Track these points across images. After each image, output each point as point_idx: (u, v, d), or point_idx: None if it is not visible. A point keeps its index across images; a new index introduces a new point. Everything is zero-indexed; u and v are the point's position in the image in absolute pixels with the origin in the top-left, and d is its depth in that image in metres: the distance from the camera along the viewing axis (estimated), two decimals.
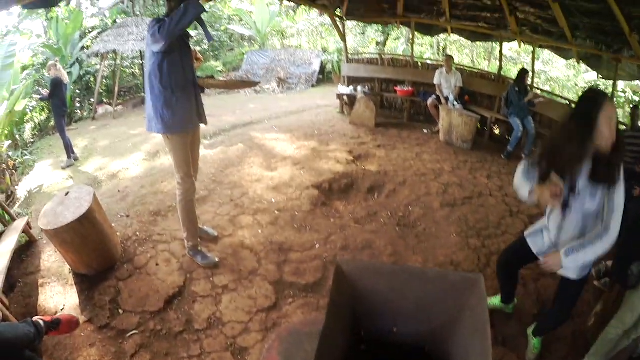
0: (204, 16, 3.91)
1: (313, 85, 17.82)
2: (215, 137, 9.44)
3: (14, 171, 9.14)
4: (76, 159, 9.29)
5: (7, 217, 5.47)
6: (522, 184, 2.97)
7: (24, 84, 11.04)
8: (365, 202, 6.36)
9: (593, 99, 2.65)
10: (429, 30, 10.97)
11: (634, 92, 14.41)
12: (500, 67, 10.46)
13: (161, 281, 4.34)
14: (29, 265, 4.85)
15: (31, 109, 13.33)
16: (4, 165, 8.68)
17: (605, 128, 2.57)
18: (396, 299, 2.40)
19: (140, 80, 18.21)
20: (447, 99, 9.33)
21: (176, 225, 5.16)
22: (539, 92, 9.15)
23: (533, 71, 9.63)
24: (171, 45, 3.85)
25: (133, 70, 19.33)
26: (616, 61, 7.43)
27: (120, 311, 4.02)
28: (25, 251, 5.13)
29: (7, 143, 9.86)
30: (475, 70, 11.33)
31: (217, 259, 4.59)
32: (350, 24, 15.37)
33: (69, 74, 13.20)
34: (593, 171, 2.69)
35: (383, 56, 11.68)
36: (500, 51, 10.39)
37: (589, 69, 10.88)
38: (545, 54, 17.60)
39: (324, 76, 19.28)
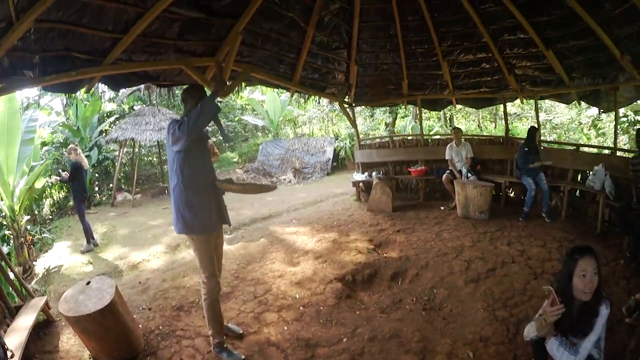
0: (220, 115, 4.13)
1: (328, 173, 18.06)
2: (235, 231, 9.52)
3: (32, 246, 9.28)
4: (96, 245, 9.47)
5: (24, 291, 5.56)
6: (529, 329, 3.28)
7: (44, 162, 11.31)
8: (389, 289, 6.31)
9: (572, 257, 3.03)
10: (435, 105, 11.41)
11: (635, 112, 14.71)
12: (507, 129, 10.80)
13: None
14: (46, 343, 4.90)
15: (50, 185, 13.66)
16: (22, 238, 8.79)
17: (579, 283, 2.96)
18: None
19: (158, 169, 18.80)
20: (460, 172, 9.48)
21: (200, 322, 5.16)
22: (544, 145, 9.23)
23: (538, 123, 10.02)
24: (191, 145, 4.01)
25: (151, 159, 20.01)
26: (614, 90, 7.72)
27: None
28: (43, 329, 5.20)
29: (26, 218, 10.02)
30: (483, 137, 11.72)
31: (243, 356, 4.51)
32: (359, 108, 15.78)
33: (88, 157, 13.69)
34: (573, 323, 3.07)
35: (394, 138, 11.96)
36: (505, 112, 10.89)
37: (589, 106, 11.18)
38: (547, 102, 18.02)
39: (338, 163, 19.61)
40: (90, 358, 4.57)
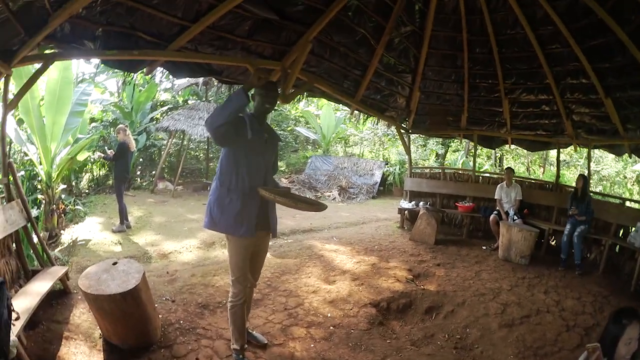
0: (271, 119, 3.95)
1: (373, 197, 17.81)
2: (273, 239, 9.33)
3: (62, 214, 9.40)
4: (128, 227, 9.57)
5: (44, 256, 5.54)
6: None
7: (90, 136, 11.51)
8: (422, 322, 6.13)
9: (619, 322, 2.97)
10: (490, 142, 11.20)
11: None
12: (558, 176, 10.60)
13: None
14: (57, 312, 4.83)
15: (92, 161, 13.97)
16: (54, 205, 8.89)
17: (623, 349, 2.92)
18: None
19: (204, 165, 19.10)
20: (507, 213, 9.35)
21: (224, 324, 5.00)
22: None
23: (589, 173, 9.92)
24: (229, 141, 3.87)
25: (198, 154, 20.25)
26: None
27: None
28: (57, 298, 5.14)
29: (62, 187, 10.15)
30: (534, 181, 11.50)
31: None
32: (413, 136, 15.64)
33: (135, 141, 13.66)
34: None
35: (445, 170, 11.84)
36: (558, 158, 10.57)
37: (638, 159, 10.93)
38: (597, 152, 17.78)
39: (385, 188, 19.38)
40: (100, 338, 4.48)
